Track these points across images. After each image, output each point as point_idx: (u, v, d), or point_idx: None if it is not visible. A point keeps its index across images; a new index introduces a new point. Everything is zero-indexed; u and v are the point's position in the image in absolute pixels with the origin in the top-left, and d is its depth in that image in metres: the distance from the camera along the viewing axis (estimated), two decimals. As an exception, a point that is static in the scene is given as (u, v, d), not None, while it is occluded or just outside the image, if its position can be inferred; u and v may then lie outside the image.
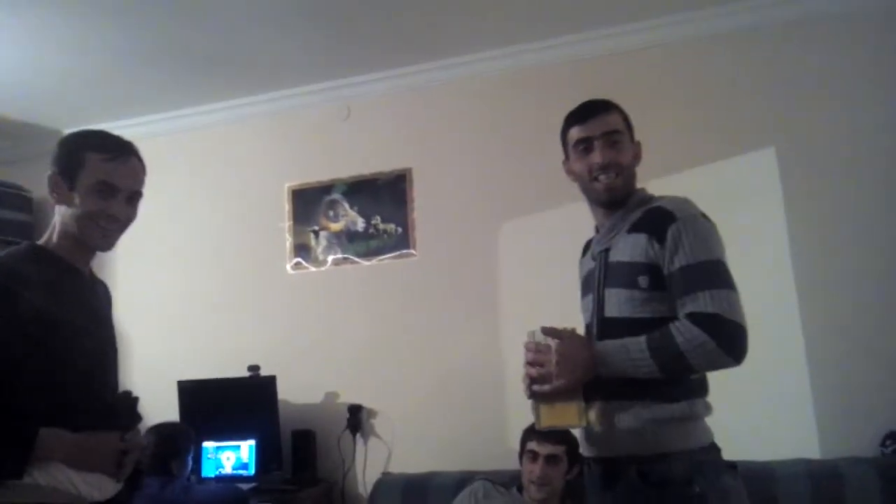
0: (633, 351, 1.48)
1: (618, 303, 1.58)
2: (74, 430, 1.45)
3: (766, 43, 3.02)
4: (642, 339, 1.48)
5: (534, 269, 3.20)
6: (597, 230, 1.76)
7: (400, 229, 3.47)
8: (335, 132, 3.63)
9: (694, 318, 1.46)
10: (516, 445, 2.63)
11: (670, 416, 1.51)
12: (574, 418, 1.52)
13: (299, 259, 3.62)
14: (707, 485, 1.47)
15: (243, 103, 3.76)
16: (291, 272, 3.63)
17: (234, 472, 3.27)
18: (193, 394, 3.43)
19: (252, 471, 3.25)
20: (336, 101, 3.62)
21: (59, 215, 1.58)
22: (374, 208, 3.53)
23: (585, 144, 1.68)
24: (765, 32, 3.03)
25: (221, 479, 3.24)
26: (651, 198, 1.68)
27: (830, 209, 2.86)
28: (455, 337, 3.31)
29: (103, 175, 1.55)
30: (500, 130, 3.37)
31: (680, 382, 1.53)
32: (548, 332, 1.53)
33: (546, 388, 1.50)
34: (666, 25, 3.10)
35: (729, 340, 1.44)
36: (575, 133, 1.72)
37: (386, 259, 3.47)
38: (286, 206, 3.67)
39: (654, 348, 1.47)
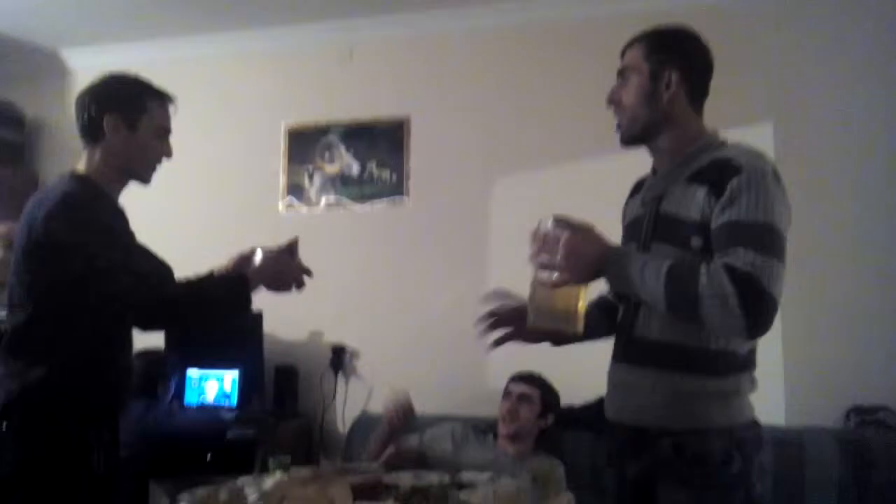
0: (649, 269, 1.33)
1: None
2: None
3: (772, 15, 3.02)
4: (665, 263, 1.33)
5: (525, 226, 3.22)
6: (653, 171, 1.60)
7: (395, 176, 3.48)
8: (336, 74, 3.60)
9: (727, 268, 1.28)
10: (494, 392, 2.71)
11: (712, 391, 1.40)
12: (568, 322, 1.42)
13: (292, 199, 3.64)
14: (746, 464, 1.38)
15: (245, 37, 3.70)
16: (283, 211, 3.64)
17: (217, 401, 3.34)
18: (180, 323, 3.47)
19: (234, 401, 3.31)
20: (340, 42, 3.59)
21: (109, 153, 1.75)
22: (370, 154, 3.53)
23: None
24: (777, 5, 3.02)
25: (203, 406, 3.31)
26: (722, 145, 1.50)
27: (816, 186, 2.91)
28: (441, 285, 3.36)
29: (162, 121, 1.80)
30: (503, 86, 3.37)
31: (728, 354, 1.41)
32: (560, 222, 1.40)
33: (550, 277, 1.38)
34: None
35: (754, 307, 1.26)
36: None
37: (378, 205, 3.49)
38: (282, 145, 3.67)
39: (672, 278, 1.30)
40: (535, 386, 2.61)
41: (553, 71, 3.30)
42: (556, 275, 1.37)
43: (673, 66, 1.49)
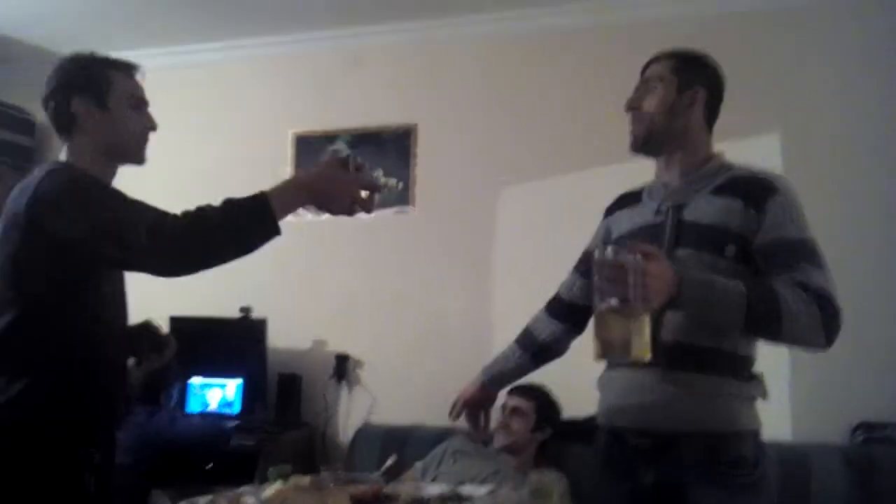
0: (726, 291, 1.34)
1: (697, 267, 1.42)
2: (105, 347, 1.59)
3: (781, 25, 3.01)
4: (738, 283, 1.34)
5: (530, 236, 3.23)
6: (661, 185, 1.61)
7: (401, 184, 3.48)
8: (343, 81, 3.60)
9: (804, 287, 1.36)
10: (499, 403, 2.69)
11: (742, 394, 1.47)
12: (643, 350, 1.32)
13: (298, 206, 3.63)
14: (766, 468, 1.46)
15: (252, 44, 3.71)
16: (289, 218, 3.62)
17: (219, 409, 3.33)
18: (185, 329, 3.46)
19: (236, 410, 3.31)
20: (347, 49, 3.59)
21: (88, 138, 1.59)
22: (376, 161, 3.52)
23: None
24: (783, 15, 3.01)
25: (206, 414, 3.30)
26: (733, 165, 1.57)
27: (824, 197, 2.88)
28: (446, 295, 3.35)
29: (133, 90, 1.63)
30: (511, 94, 3.36)
31: (752, 361, 1.50)
32: (633, 248, 1.32)
33: (632, 305, 1.28)
34: (682, 2, 3.07)
35: (832, 322, 1.36)
36: None
37: (385, 212, 3.49)
38: (289, 152, 3.67)
39: (753, 299, 1.33)
40: (530, 398, 2.58)
41: (561, 80, 3.29)
42: (638, 303, 1.28)
43: (699, 85, 1.58)
